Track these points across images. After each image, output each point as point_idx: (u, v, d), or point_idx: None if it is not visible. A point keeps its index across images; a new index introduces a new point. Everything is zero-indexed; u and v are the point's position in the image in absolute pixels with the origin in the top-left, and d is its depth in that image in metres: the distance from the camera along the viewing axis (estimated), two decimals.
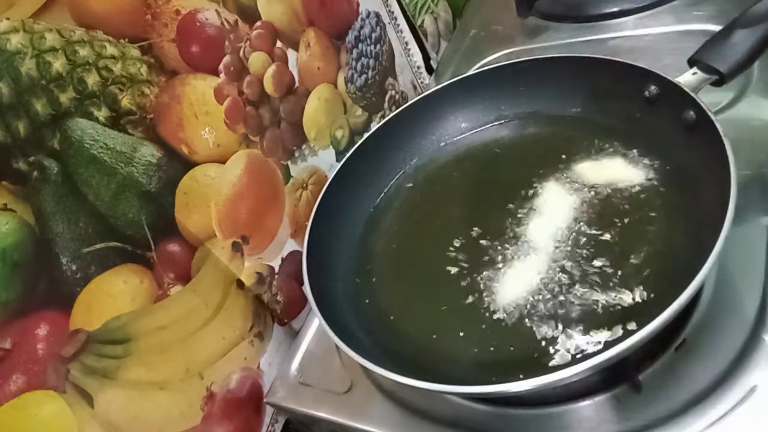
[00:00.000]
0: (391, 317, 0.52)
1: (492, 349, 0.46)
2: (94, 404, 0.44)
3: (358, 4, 0.72)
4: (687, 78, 0.50)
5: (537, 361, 0.44)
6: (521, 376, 0.38)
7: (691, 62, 0.51)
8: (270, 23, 0.61)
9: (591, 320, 0.45)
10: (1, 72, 0.40)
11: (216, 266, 0.55)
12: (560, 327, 0.45)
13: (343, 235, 0.60)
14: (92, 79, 0.46)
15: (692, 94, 0.48)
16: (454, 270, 0.53)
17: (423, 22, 0.87)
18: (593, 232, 0.50)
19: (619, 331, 0.43)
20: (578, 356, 0.43)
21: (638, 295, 0.45)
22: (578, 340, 0.44)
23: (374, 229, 0.61)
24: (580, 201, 0.53)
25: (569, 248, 0.50)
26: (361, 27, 0.73)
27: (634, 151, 0.55)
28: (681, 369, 0.43)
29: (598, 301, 0.45)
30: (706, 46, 0.51)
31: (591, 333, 0.44)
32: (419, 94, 0.67)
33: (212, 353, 0.54)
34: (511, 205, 0.56)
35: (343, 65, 0.71)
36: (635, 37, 0.71)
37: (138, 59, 0.49)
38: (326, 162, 0.69)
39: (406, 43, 0.82)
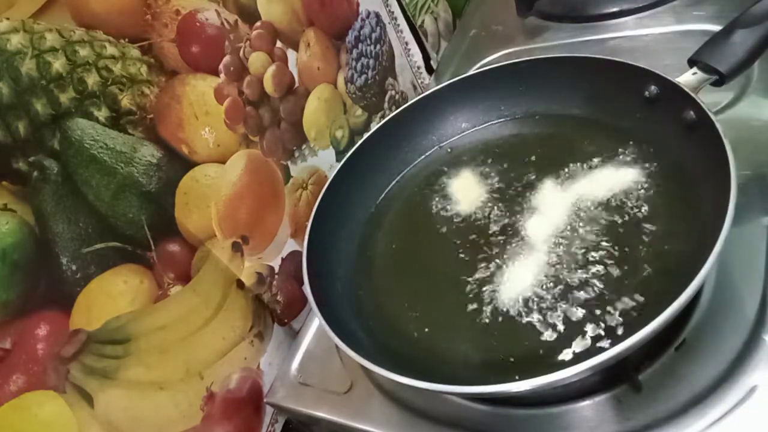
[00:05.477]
0: (392, 317, 0.52)
1: (492, 348, 0.46)
2: (94, 404, 0.44)
3: (358, 4, 0.72)
4: (687, 78, 0.50)
5: (537, 360, 0.44)
6: (521, 377, 0.38)
7: (691, 62, 0.51)
8: (270, 23, 0.61)
9: (591, 320, 0.45)
10: (1, 72, 0.40)
11: (216, 266, 0.55)
12: (560, 326, 0.45)
13: (343, 235, 0.60)
14: (92, 79, 0.46)
15: (692, 94, 0.48)
16: (454, 270, 0.53)
17: (423, 22, 0.87)
18: (593, 231, 0.50)
19: (618, 331, 0.43)
20: (578, 356, 0.43)
21: (638, 295, 0.45)
22: (578, 339, 0.44)
23: (374, 229, 0.61)
24: (580, 200, 0.53)
25: (569, 248, 0.50)
26: (361, 27, 0.73)
27: (634, 150, 0.55)
28: (681, 369, 0.43)
29: (597, 300, 0.45)
30: (706, 46, 0.51)
31: (591, 332, 0.44)
32: (419, 94, 0.67)
33: (212, 353, 0.54)
34: (511, 205, 0.56)
35: (343, 65, 0.71)
36: (635, 37, 0.71)
37: (138, 59, 0.49)
38: (326, 162, 0.69)
39: (406, 43, 0.82)
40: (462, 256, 0.54)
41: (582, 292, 0.46)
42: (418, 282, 0.54)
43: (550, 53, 0.66)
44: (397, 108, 0.66)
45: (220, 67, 0.55)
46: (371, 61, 0.74)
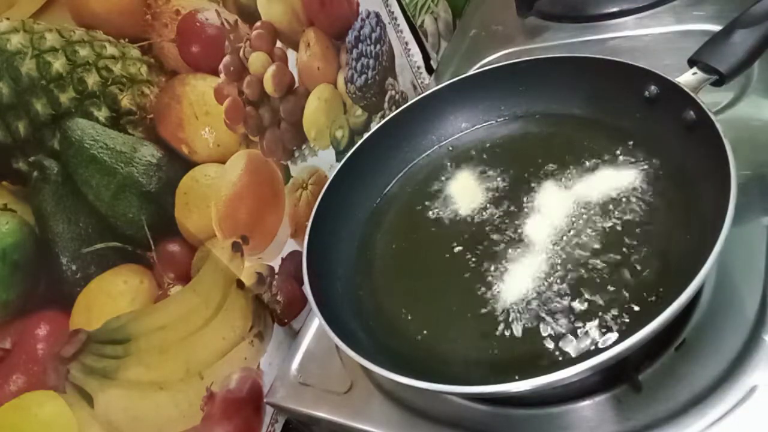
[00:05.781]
0: (392, 317, 0.52)
1: (492, 348, 0.46)
2: (94, 404, 0.44)
3: (358, 4, 0.72)
4: (687, 78, 0.50)
5: (537, 360, 0.44)
6: (521, 377, 0.38)
7: (691, 62, 0.51)
8: (270, 23, 0.61)
9: (591, 320, 0.45)
10: (1, 72, 0.40)
11: (216, 266, 0.55)
12: (560, 326, 0.45)
13: (343, 235, 0.60)
14: (92, 79, 0.46)
15: (692, 94, 0.48)
16: (454, 270, 0.53)
17: (423, 22, 0.87)
18: (593, 232, 0.50)
19: (618, 331, 0.43)
20: (578, 356, 0.43)
21: (638, 294, 0.45)
22: (578, 340, 0.44)
23: (374, 229, 0.61)
24: (580, 201, 0.53)
25: (569, 248, 0.50)
26: (361, 27, 0.73)
27: (634, 150, 0.55)
28: (681, 369, 0.43)
29: (597, 301, 0.45)
30: (706, 46, 0.51)
31: (591, 333, 0.44)
32: (419, 94, 0.67)
33: (212, 353, 0.54)
34: (511, 205, 0.56)
35: (343, 65, 0.71)
36: (635, 37, 0.71)
37: (138, 59, 0.49)
38: (326, 162, 0.69)
39: (406, 43, 0.82)
40: (462, 256, 0.54)
41: (582, 292, 0.46)
42: (418, 282, 0.54)
43: (550, 53, 0.66)
44: (397, 108, 0.66)
45: (220, 67, 0.55)
46: (371, 61, 0.74)
